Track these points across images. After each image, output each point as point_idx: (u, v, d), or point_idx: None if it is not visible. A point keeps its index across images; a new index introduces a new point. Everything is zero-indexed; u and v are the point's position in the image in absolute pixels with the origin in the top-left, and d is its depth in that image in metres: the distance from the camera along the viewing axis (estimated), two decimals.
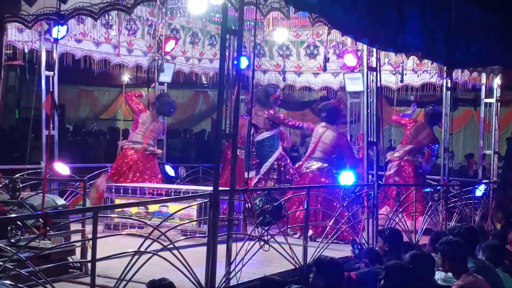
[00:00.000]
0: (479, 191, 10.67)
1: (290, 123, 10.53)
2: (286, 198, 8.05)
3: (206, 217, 6.45)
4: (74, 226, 6.60)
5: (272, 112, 10.04)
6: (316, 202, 8.65)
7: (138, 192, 8.85)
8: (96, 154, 16.50)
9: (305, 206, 7.60)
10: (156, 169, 10.14)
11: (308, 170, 9.25)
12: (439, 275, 5.98)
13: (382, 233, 7.15)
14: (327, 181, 9.14)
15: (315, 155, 9.31)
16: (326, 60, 10.73)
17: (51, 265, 5.66)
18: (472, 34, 9.35)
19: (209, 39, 11.56)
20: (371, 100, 8.33)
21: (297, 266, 6.91)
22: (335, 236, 7.79)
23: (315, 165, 9.22)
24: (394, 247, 6.84)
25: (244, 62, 9.12)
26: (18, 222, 5.25)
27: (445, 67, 9.58)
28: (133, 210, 8.64)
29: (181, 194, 8.49)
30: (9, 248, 5.03)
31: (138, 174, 9.83)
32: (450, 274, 5.82)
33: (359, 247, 7.06)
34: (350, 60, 10.25)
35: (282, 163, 9.94)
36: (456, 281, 5.66)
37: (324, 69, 10.85)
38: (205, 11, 9.21)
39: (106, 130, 19.25)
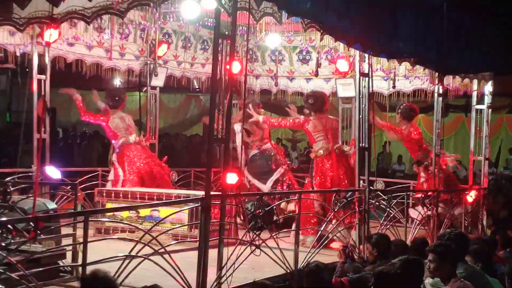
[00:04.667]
0: (470, 197, 10.69)
1: (282, 123, 10.49)
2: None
3: (197, 222, 6.44)
4: (65, 230, 6.58)
5: (264, 119, 10.12)
6: None
7: (129, 196, 8.83)
8: (88, 158, 16.46)
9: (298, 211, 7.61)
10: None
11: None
12: (426, 280, 5.99)
13: (370, 239, 7.14)
14: None
15: (336, 142, 9.42)
16: (318, 65, 10.76)
17: (41, 269, 5.63)
18: (463, 41, 9.41)
19: (201, 44, 11.55)
20: (363, 105, 8.35)
21: (288, 271, 6.90)
22: (325, 242, 7.81)
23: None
24: (383, 252, 6.84)
25: (236, 67, 9.13)
26: (9, 226, 5.22)
27: (436, 73, 9.62)
28: (124, 214, 8.62)
29: (173, 198, 8.47)
30: None
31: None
32: (438, 279, 5.83)
33: (350, 254, 7.05)
34: (342, 65, 10.26)
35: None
36: (444, 286, 5.67)
37: (316, 74, 10.87)
38: (198, 16, 9.22)
39: (93, 133, 19.21)
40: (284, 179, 10.26)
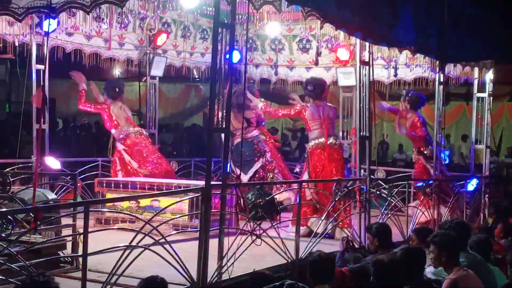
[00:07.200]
0: (471, 185, 10.68)
1: (280, 113, 10.46)
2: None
3: (198, 212, 6.43)
4: (65, 221, 6.57)
5: (264, 107, 10.03)
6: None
7: (129, 186, 8.82)
8: (87, 148, 16.44)
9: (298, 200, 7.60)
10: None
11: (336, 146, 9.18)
12: (428, 269, 5.98)
13: (370, 229, 7.10)
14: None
15: (330, 132, 9.24)
16: (319, 54, 10.71)
17: (42, 259, 5.63)
18: (464, 29, 9.35)
19: (201, 33, 11.50)
20: (364, 94, 8.31)
21: (289, 260, 6.90)
22: (326, 231, 7.81)
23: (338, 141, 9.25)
24: (384, 241, 6.81)
25: (236, 56, 9.12)
26: (9, 217, 5.22)
27: (437, 62, 9.58)
28: (125, 204, 8.62)
29: (173, 188, 8.46)
30: None
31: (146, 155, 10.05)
32: (440, 268, 5.82)
33: (351, 244, 7.02)
34: (343, 54, 10.23)
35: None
36: (447, 275, 5.66)
37: (316, 63, 10.82)
38: (197, 5, 9.18)
39: (93, 124, 19.17)
40: (272, 168, 10.11)
